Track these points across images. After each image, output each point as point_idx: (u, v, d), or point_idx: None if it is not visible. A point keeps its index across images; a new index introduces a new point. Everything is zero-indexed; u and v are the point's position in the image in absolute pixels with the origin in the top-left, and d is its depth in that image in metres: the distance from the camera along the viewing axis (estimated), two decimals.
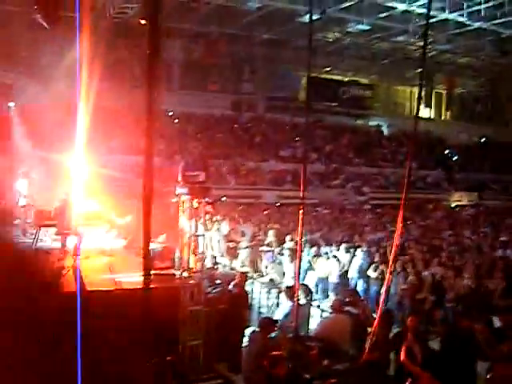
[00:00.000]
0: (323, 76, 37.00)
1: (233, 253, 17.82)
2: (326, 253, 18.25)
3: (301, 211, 10.28)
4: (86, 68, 17.37)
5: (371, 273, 16.64)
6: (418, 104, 10.47)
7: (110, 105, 22.53)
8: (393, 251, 8.94)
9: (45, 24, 16.65)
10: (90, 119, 17.51)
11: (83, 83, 16.48)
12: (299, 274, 11.64)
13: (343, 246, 18.40)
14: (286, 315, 11.41)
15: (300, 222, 10.27)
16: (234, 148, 29.88)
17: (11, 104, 21.81)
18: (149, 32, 7.71)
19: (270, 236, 19.56)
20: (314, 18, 23.02)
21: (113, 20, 23.82)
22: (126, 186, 18.09)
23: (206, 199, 10.86)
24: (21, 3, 20.26)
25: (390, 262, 9.38)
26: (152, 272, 8.19)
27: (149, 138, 7.47)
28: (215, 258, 15.65)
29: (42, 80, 22.40)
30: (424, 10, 24.86)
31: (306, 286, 13.06)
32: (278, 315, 11.60)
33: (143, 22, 22.53)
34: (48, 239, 15.08)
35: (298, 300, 11.15)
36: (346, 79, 40.37)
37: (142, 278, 10.38)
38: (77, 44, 16.75)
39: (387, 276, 9.88)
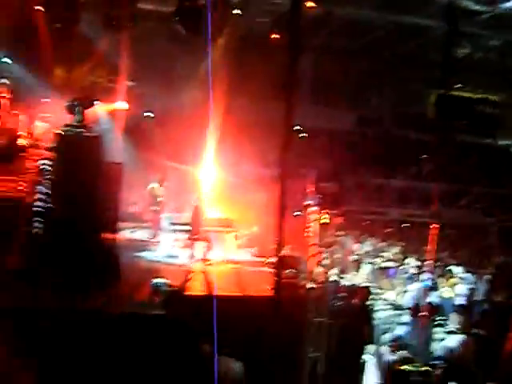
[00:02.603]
0: (452, 93, 36.01)
1: (356, 267, 17.74)
2: (452, 273, 17.84)
3: (431, 229, 10.17)
4: (218, 80, 17.97)
5: (497, 296, 16.14)
6: None
7: (242, 117, 22.98)
8: None
9: (184, 33, 17.37)
10: (222, 130, 18.08)
11: (215, 95, 17.02)
12: (425, 293, 11.49)
13: (469, 267, 17.94)
14: (409, 334, 11.28)
15: (430, 240, 10.17)
16: (360, 163, 29.72)
17: (146, 113, 22.77)
18: (288, 46, 7.96)
19: (394, 253, 19.35)
20: (445, 33, 22.62)
21: (245, 33, 24.28)
22: (254, 197, 18.41)
23: (336, 211, 10.94)
24: (160, 18, 21.10)
25: None
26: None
27: (285, 151, 7.69)
28: (340, 270, 15.66)
29: (176, 91, 23.20)
30: None
31: (432, 304, 12.83)
32: (401, 333, 11.47)
33: (276, 35, 23.01)
34: (176, 246, 15.64)
35: (422, 319, 11.02)
36: (477, 96, 39.04)
37: (269, 286, 10.70)
38: (210, 56, 17.45)
39: None
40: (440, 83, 27.41)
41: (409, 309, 12.46)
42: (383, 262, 18.60)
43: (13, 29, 20.19)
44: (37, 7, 18.53)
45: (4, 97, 15.46)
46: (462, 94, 37.45)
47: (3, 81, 15.64)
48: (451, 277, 17.47)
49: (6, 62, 18.21)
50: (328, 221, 10.97)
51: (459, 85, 35.52)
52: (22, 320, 9.45)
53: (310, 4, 18.92)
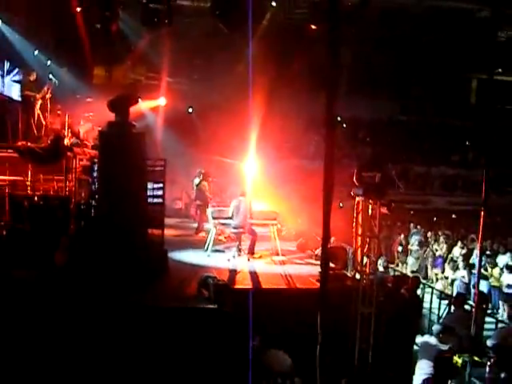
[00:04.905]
0: (494, 78, 35.28)
1: (404, 257, 17.65)
2: (497, 261, 17.61)
3: (478, 217, 10.00)
4: (258, 73, 17.98)
5: None
6: None
7: (280, 110, 22.98)
8: None
9: (224, 29, 17.47)
10: (262, 124, 18.08)
11: (256, 88, 17.05)
12: (478, 281, 11.32)
13: None
14: (458, 323, 11.12)
15: (478, 228, 10.00)
16: (402, 152, 29.50)
17: (190, 109, 22.92)
18: (328, 38, 7.88)
19: (441, 242, 19.15)
20: (486, 16, 22.29)
21: (283, 25, 24.21)
22: (297, 190, 18.40)
23: (381, 201, 10.79)
24: (198, 13, 21.16)
25: None
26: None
27: (329, 143, 7.64)
28: (387, 261, 15.55)
29: (217, 85, 23.27)
30: None
31: (482, 293, 12.63)
32: (450, 323, 11.31)
33: (314, 27, 22.87)
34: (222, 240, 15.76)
35: (474, 308, 10.87)
36: None
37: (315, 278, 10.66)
38: (249, 50, 17.46)
39: None
40: (481, 68, 26.97)
41: (457, 298, 12.28)
42: (431, 251, 18.45)
43: (53, 31, 20.50)
44: (76, 8, 18.75)
45: (48, 98, 15.69)
46: (504, 78, 36.79)
47: (48, 82, 15.85)
48: (498, 265, 17.26)
49: (48, 65, 18.47)
50: (373, 211, 10.83)
51: (500, 69, 34.87)
52: (72, 315, 9.63)
53: None
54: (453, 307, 12.58)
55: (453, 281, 16.79)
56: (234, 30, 17.79)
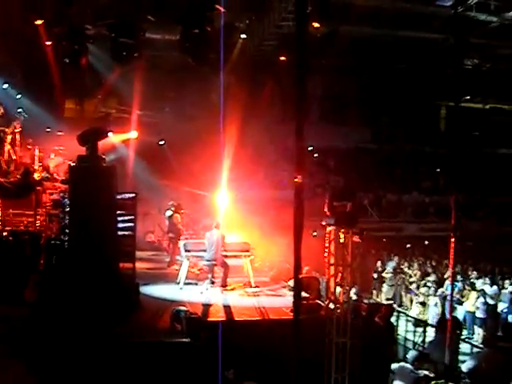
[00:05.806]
0: (463, 105, 35.83)
1: (377, 285, 17.67)
2: (473, 286, 17.69)
3: (451, 243, 10.08)
4: (228, 105, 18.11)
5: None
6: None
7: (251, 140, 23.05)
8: None
9: (192, 62, 17.66)
10: (233, 155, 18.14)
11: (227, 119, 17.15)
12: (452, 306, 11.37)
13: (489, 278, 17.81)
14: (433, 350, 11.14)
15: (450, 253, 10.07)
16: (374, 180, 29.68)
17: (161, 142, 22.92)
18: (296, 68, 7.95)
19: (415, 269, 19.24)
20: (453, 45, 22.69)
21: (253, 57, 24.44)
22: (268, 220, 18.37)
23: (353, 230, 10.79)
24: (167, 47, 21.30)
25: None
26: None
27: (298, 172, 7.64)
28: (361, 289, 15.55)
29: (188, 118, 23.35)
30: None
31: (456, 319, 12.68)
32: (425, 350, 11.33)
33: (283, 58, 23.17)
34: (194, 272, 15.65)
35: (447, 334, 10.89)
36: (488, 107, 38.85)
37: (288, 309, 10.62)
38: (219, 82, 17.60)
39: None
40: (450, 96, 27.41)
41: (440, 323, 12.31)
42: (404, 278, 18.50)
43: (23, 64, 20.49)
44: (46, 42, 18.78)
45: (18, 132, 15.59)
46: (472, 105, 37.36)
47: (18, 116, 15.77)
48: (473, 289, 17.34)
49: (19, 98, 18.43)
50: (345, 240, 10.84)
51: (468, 96, 35.40)
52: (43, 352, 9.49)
53: (316, 24, 19.07)
54: (428, 333, 12.63)
55: (428, 307, 16.80)
56: (203, 63, 18.01)
